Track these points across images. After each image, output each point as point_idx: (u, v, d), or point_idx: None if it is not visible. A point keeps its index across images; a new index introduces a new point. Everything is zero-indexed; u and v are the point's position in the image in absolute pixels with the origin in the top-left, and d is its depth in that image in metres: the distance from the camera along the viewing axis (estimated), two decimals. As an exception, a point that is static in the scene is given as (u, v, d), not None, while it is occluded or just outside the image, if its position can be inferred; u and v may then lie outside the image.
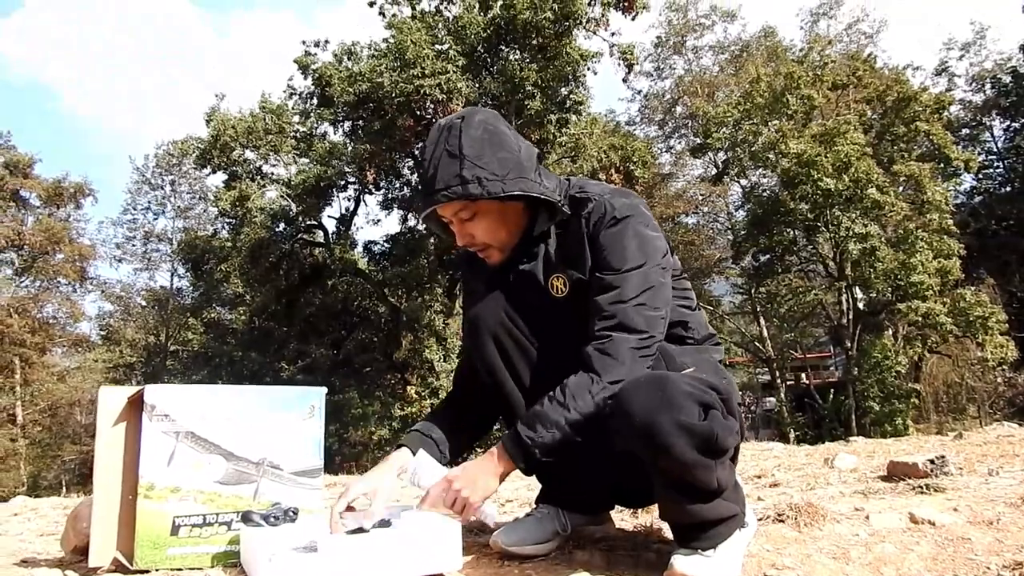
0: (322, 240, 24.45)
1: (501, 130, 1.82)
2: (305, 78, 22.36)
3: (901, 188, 24.10)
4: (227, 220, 25.16)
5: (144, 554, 1.77)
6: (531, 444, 1.65)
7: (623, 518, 2.33)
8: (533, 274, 1.87)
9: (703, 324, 1.95)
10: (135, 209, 36.25)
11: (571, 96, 20.71)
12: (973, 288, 23.24)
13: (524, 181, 1.77)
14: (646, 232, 1.78)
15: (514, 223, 1.88)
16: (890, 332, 24.79)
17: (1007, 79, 29.81)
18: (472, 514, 1.71)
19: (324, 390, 2.02)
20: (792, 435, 21.57)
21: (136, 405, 1.85)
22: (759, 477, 3.43)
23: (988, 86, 30.79)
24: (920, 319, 21.27)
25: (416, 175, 23.41)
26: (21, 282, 31.26)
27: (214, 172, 23.32)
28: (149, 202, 36.20)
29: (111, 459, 1.84)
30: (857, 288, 23.64)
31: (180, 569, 1.78)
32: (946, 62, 31.28)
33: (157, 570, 1.76)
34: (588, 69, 20.66)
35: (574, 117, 20.92)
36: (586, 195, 1.82)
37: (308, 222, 24.03)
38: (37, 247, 30.61)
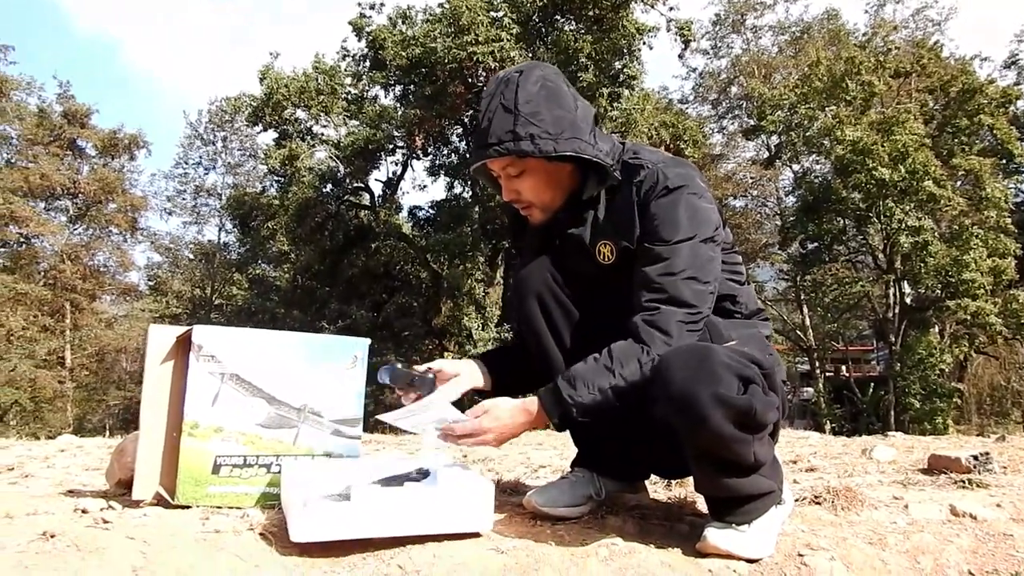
0: (368, 203, 24.57)
1: (560, 87, 1.79)
2: (359, 40, 22.38)
3: (959, 182, 23.47)
4: (276, 178, 25.38)
5: (185, 490, 1.82)
6: (570, 402, 1.65)
7: (656, 489, 2.33)
8: (581, 239, 1.85)
9: (752, 299, 1.92)
10: (186, 163, 36.85)
11: (625, 70, 20.42)
12: (1028, 289, 22.59)
13: (577, 142, 1.74)
14: (699, 203, 1.75)
15: (562, 184, 1.86)
16: (936, 329, 24.24)
17: (1080, 75, 28.70)
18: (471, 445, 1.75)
19: (368, 341, 2.04)
20: (828, 426, 21.34)
21: (184, 345, 1.88)
22: (794, 462, 3.40)
23: (1060, 81, 29.70)
24: (969, 318, 20.78)
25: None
26: (75, 229, 32.02)
27: (265, 130, 23.49)
28: (200, 157, 36.75)
29: (158, 396, 1.88)
30: (906, 282, 23.17)
31: (220, 507, 1.82)
32: (1016, 54, 30.20)
33: (198, 506, 1.80)
34: (644, 43, 20.35)
35: (627, 92, 20.64)
36: (640, 162, 1.79)
37: (355, 184, 24.15)
38: (91, 196, 31.28)
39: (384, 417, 1.79)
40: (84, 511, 1.72)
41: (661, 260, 1.71)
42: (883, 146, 20.44)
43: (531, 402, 1.73)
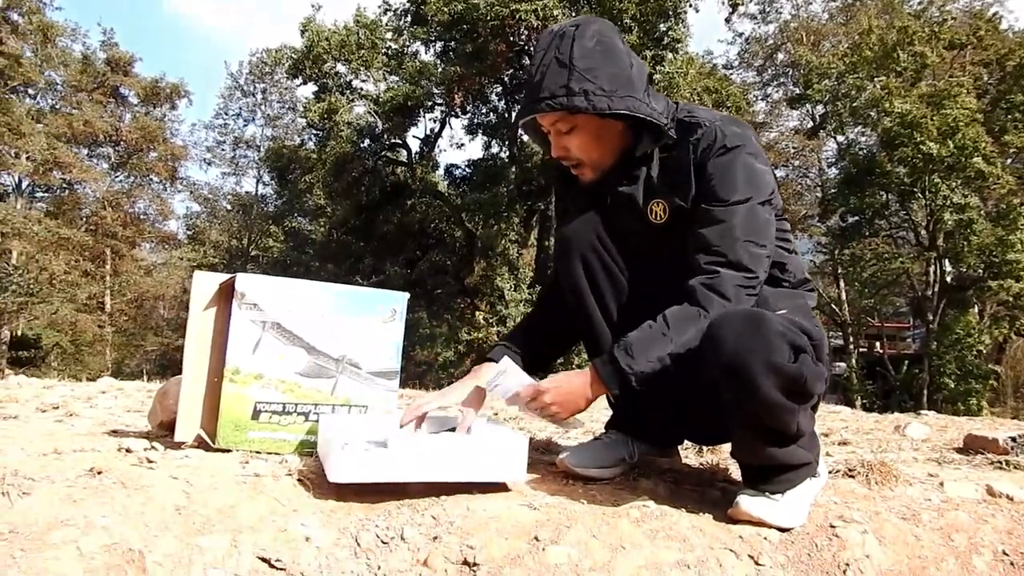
0: (405, 160, 24.57)
1: (615, 44, 1.75)
2: (401, -6, 22.23)
3: (1010, 160, 22.85)
4: (314, 132, 25.45)
5: (226, 434, 1.85)
6: (628, 372, 1.63)
7: (688, 455, 2.34)
8: (632, 197, 1.82)
9: (800, 268, 1.90)
10: (226, 114, 37.12)
11: (669, 33, 20.03)
12: (1074, 273, 22.04)
13: (632, 100, 1.71)
14: (756, 164, 1.72)
15: (612, 142, 1.82)
16: (976, 310, 23.80)
17: None
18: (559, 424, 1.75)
19: (407, 295, 2.05)
20: (859, 402, 21.17)
21: (227, 292, 1.91)
22: (826, 435, 3.38)
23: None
24: (1011, 299, 20.36)
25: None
26: (116, 177, 32.48)
27: (305, 83, 23.48)
28: (240, 108, 37.00)
29: (200, 341, 1.91)
30: (947, 260, 22.71)
31: (258, 452, 1.86)
32: (1079, 29, 29.14)
33: (237, 450, 1.84)
34: (689, 6, 19.92)
35: (670, 55, 20.26)
36: (696, 120, 1.76)
37: (393, 140, 24.12)
38: (133, 144, 31.67)
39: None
40: (128, 450, 1.76)
41: (719, 222, 1.68)
42: (932, 120, 19.90)
43: (589, 371, 1.73)
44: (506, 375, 1.81)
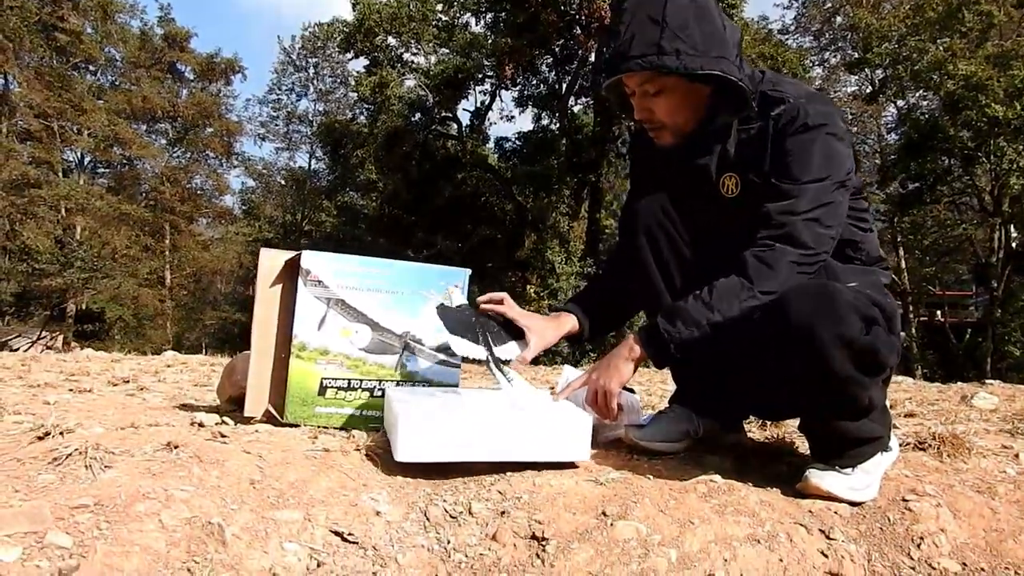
0: (455, 133, 24.59)
1: (709, 3, 1.70)
2: (452, -34, 22.13)
3: (1081, 122, 21.95)
4: (366, 106, 25.64)
5: (294, 409, 1.89)
6: (667, 337, 1.64)
7: (752, 429, 2.31)
8: (706, 169, 1.79)
9: (874, 246, 1.84)
10: (279, 89, 37.49)
11: (724, -2, 19.64)
12: None
13: (725, 62, 1.66)
14: (836, 145, 1.66)
15: (698, 107, 1.77)
16: (1044, 276, 23.09)
17: None
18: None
19: (468, 271, 2.05)
20: (919, 372, 20.73)
21: (292, 268, 1.93)
22: (892, 407, 3.32)
23: None
24: (1081, 265, 19.70)
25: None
26: (174, 152, 33.15)
27: (356, 57, 23.60)
28: (293, 83, 37.32)
29: (267, 317, 1.94)
30: (1012, 226, 22.01)
31: (326, 427, 1.89)
32: None
33: (305, 425, 1.87)
34: (745, -30, 19.50)
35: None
36: (781, 95, 1.70)
37: (443, 114, 24.16)
38: (189, 120, 32.26)
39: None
40: (201, 424, 1.81)
41: (787, 198, 1.65)
42: (999, 82, 19.17)
43: (630, 337, 1.74)
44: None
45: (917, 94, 24.72)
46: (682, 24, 1.64)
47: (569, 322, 1.99)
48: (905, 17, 22.71)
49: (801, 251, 1.62)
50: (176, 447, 1.53)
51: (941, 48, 21.25)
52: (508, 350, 1.91)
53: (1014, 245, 22.40)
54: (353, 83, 26.80)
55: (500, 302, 1.97)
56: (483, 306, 1.95)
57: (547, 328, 1.96)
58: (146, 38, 31.54)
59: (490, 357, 1.86)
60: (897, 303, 1.79)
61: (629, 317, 2.14)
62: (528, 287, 21.49)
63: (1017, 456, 1.96)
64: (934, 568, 1.48)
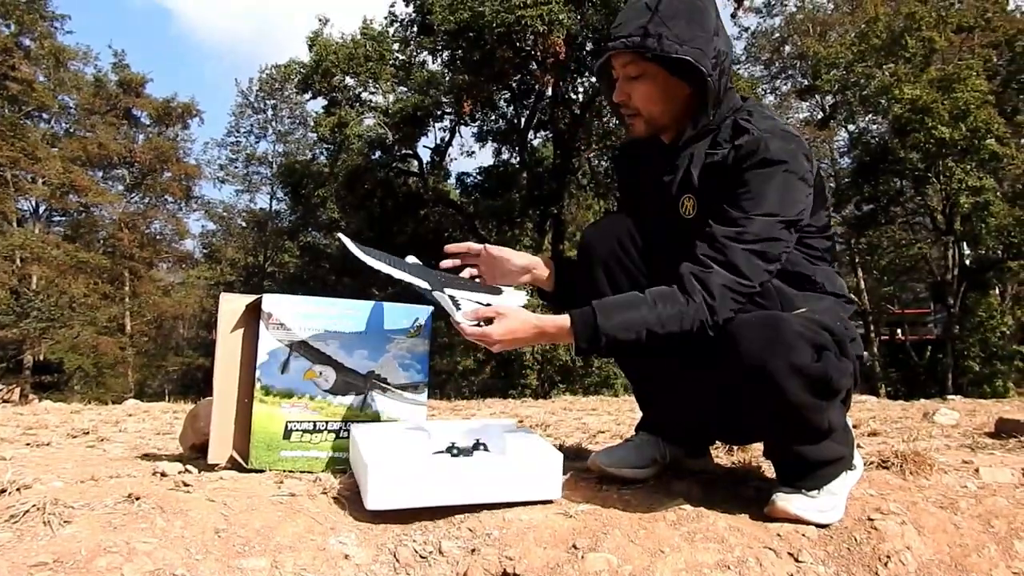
0: (416, 170, 24.64)
1: (707, 9, 1.74)
2: (407, 5, 22.24)
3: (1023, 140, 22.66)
4: (325, 146, 25.56)
5: (258, 454, 1.86)
6: (600, 331, 1.61)
7: (719, 454, 2.33)
8: (668, 188, 1.82)
9: (831, 281, 1.83)
10: (238, 132, 37.33)
11: (676, 30, 19.99)
12: (1094, 250, 21.80)
13: (701, 55, 1.69)
14: (792, 183, 1.67)
15: (674, 104, 1.79)
16: (997, 291, 23.63)
17: None
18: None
19: (431, 309, 2.05)
20: (883, 390, 21.01)
21: (254, 312, 1.92)
22: (855, 426, 3.36)
23: None
24: (1032, 279, 20.22)
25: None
26: (131, 198, 32.75)
27: (315, 97, 23.60)
28: (252, 125, 37.22)
29: (230, 362, 1.92)
30: (965, 244, 22.54)
31: (292, 471, 1.87)
32: (1087, 6, 28.83)
33: (270, 470, 1.85)
34: (695, 3, 19.88)
35: (677, 52, 20.20)
36: (748, 126, 1.72)
37: (403, 151, 24.19)
38: (147, 164, 31.93)
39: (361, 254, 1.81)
40: (163, 474, 1.78)
41: (733, 225, 1.65)
42: (943, 104, 19.76)
43: (550, 320, 1.68)
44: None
45: (867, 118, 25.38)
46: (672, 15, 1.69)
47: (545, 266, 1.99)
48: (851, 44, 23.38)
49: (736, 279, 1.62)
50: (138, 498, 1.50)
51: (887, 73, 21.89)
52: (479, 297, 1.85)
53: (968, 262, 22.92)
54: (312, 123, 26.82)
55: (477, 254, 1.99)
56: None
57: (518, 257, 1.98)
58: (100, 84, 31.27)
59: (431, 285, 1.78)
60: (858, 323, 1.81)
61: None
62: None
63: (977, 471, 1.99)
64: (902, 585, 1.50)
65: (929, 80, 20.92)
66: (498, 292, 1.90)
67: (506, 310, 1.68)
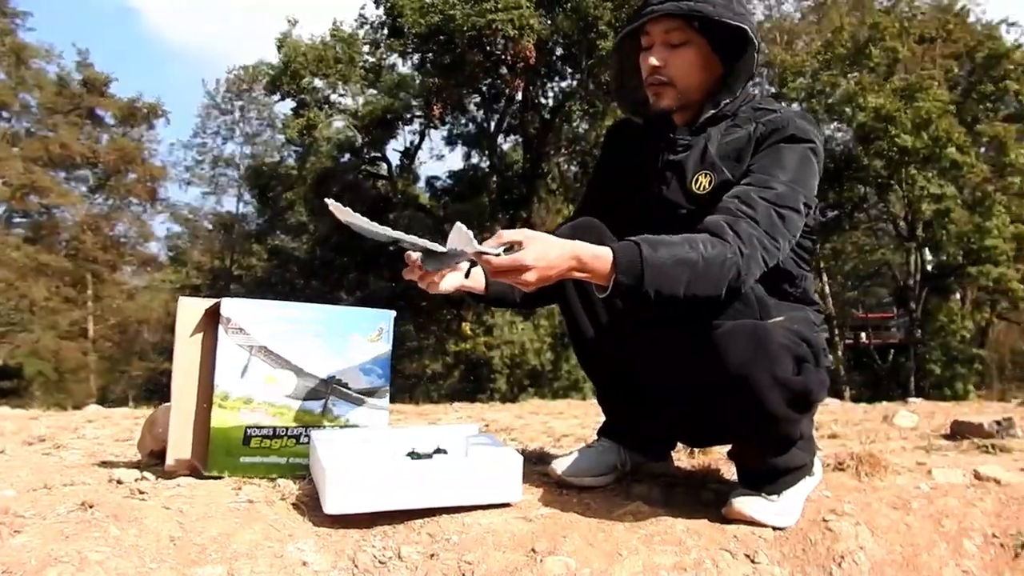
0: (386, 173, 24.57)
1: None
2: (377, 7, 22.17)
3: (983, 149, 23.10)
4: (294, 148, 25.44)
5: (217, 461, 1.84)
6: (646, 263, 1.44)
7: (680, 457, 2.35)
8: (681, 166, 1.77)
9: (810, 289, 1.85)
10: (205, 133, 36.85)
11: (645, 38, 20.15)
12: (1051, 256, 22.30)
13: (752, 25, 1.68)
14: (813, 163, 1.68)
15: (708, 80, 1.77)
16: (958, 296, 24.07)
17: (1109, 39, 28.07)
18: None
19: (393, 313, 2.05)
20: (848, 393, 21.30)
21: (213, 317, 1.90)
22: (816, 429, 3.39)
23: (1088, 46, 29.04)
24: (991, 284, 20.61)
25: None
26: (95, 200, 32.24)
27: (283, 99, 23.44)
28: (219, 126, 36.75)
29: (188, 368, 1.90)
30: (927, 250, 22.96)
31: (251, 477, 1.85)
32: (1044, 18, 29.51)
33: (229, 477, 1.83)
34: (664, 11, 20.05)
35: (646, 59, 20.37)
36: (773, 107, 1.74)
37: (373, 154, 24.14)
38: (111, 166, 31.44)
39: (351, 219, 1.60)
40: (119, 482, 1.75)
41: (760, 184, 1.60)
42: (906, 113, 20.11)
43: (587, 248, 1.47)
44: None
45: (832, 126, 25.73)
46: None
47: None
48: (817, 53, 23.73)
49: (764, 232, 1.55)
50: (91, 506, 1.48)
51: (852, 82, 22.23)
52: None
53: (929, 268, 23.33)
54: (280, 125, 26.61)
55: None
56: None
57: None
58: (63, 84, 30.72)
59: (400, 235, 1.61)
60: (824, 327, 1.82)
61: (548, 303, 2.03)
62: (464, 324, 21.48)
63: (930, 472, 2.03)
64: (855, 586, 1.53)
65: (892, 89, 21.28)
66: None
67: (534, 233, 1.47)
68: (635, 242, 1.47)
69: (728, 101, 1.74)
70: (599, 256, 1.46)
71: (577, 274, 1.48)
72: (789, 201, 1.60)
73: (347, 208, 1.61)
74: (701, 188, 1.73)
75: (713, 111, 1.75)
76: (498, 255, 1.43)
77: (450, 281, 1.68)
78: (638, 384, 1.88)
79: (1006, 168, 21.65)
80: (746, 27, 1.66)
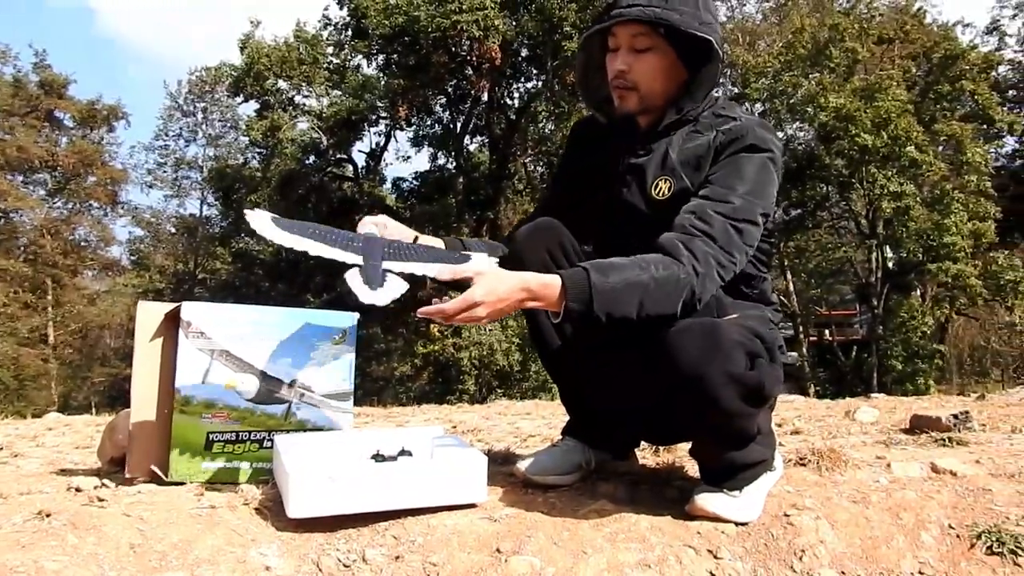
0: (351, 174, 24.43)
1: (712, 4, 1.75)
2: (341, 8, 22.07)
3: (941, 148, 23.54)
4: (258, 150, 25.21)
5: (179, 467, 1.83)
6: (594, 289, 1.48)
7: (645, 455, 2.36)
8: (642, 170, 1.79)
9: (767, 291, 1.88)
10: (167, 135, 36.32)
11: (609, 39, 20.26)
12: (1007, 252, 22.76)
13: (717, 36, 1.69)
14: (771, 173, 1.70)
15: (671, 86, 1.78)
16: (918, 292, 24.49)
17: (1060, 40, 28.77)
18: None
19: (357, 315, 2.04)
20: (812, 390, 21.58)
21: (173, 321, 1.88)
22: (780, 425, 3.45)
23: (1039, 47, 29.74)
24: (950, 280, 20.98)
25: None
26: (54, 203, 31.64)
27: (247, 100, 23.27)
28: (181, 129, 36.24)
29: (148, 373, 1.88)
30: (888, 247, 23.34)
31: (213, 483, 1.83)
32: (998, 20, 30.14)
33: (191, 482, 1.81)
34: (628, 11, 20.17)
35: (610, 60, 20.48)
36: (733, 115, 1.75)
37: (338, 156, 24.01)
38: (70, 169, 30.86)
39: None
40: (78, 489, 1.73)
41: (716, 198, 1.63)
42: (866, 113, 20.44)
43: (536, 278, 1.52)
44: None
45: (794, 126, 26.08)
46: None
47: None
48: (778, 54, 24.03)
49: (720, 250, 1.58)
50: (49, 515, 1.46)
51: (813, 82, 22.54)
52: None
53: (890, 265, 23.72)
54: (244, 127, 26.34)
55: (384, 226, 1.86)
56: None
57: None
58: (20, 85, 30.11)
59: (365, 257, 1.60)
60: (789, 324, 1.84)
61: None
62: (432, 325, 21.38)
63: (889, 466, 2.07)
64: (815, 579, 1.55)
65: (852, 89, 21.62)
66: (465, 260, 1.69)
67: (483, 269, 1.54)
68: (584, 268, 1.51)
69: (690, 108, 1.76)
70: (548, 284, 1.50)
71: (530, 303, 1.52)
72: (746, 214, 1.63)
73: (274, 220, 1.61)
74: (660, 194, 1.75)
75: (676, 116, 1.77)
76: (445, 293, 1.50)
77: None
78: (599, 384, 1.89)
79: (963, 166, 22.08)
80: (711, 39, 1.68)
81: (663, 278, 1.51)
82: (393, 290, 1.55)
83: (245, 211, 1.63)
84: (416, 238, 1.91)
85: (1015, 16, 29.68)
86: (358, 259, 1.59)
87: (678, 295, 1.52)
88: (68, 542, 1.36)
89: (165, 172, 36.55)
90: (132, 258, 37.04)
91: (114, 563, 1.34)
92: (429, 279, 1.59)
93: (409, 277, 1.58)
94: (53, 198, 31.57)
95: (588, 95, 1.94)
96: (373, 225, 1.83)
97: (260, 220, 1.60)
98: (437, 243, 1.95)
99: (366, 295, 1.51)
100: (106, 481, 1.81)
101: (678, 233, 1.59)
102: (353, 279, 1.53)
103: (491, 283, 1.47)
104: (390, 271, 1.59)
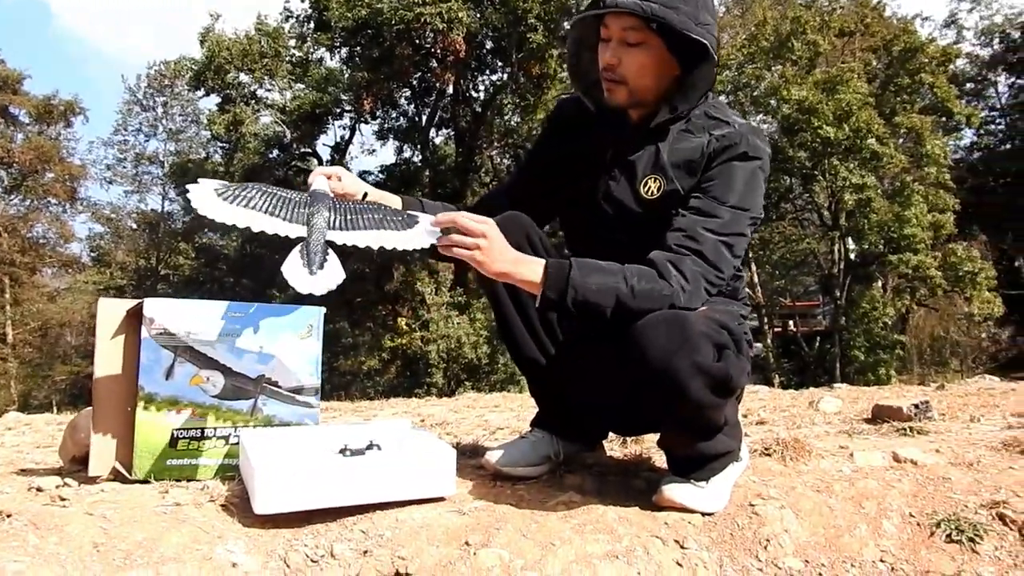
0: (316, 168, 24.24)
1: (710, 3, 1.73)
2: (302, 1, 21.88)
3: (901, 140, 23.95)
4: (220, 144, 24.91)
5: (143, 464, 1.80)
6: (571, 283, 1.54)
7: (613, 447, 2.38)
8: (632, 166, 1.79)
9: (740, 288, 1.90)
10: (126, 130, 35.64)
11: (573, 31, 20.28)
12: (965, 243, 23.27)
13: (713, 41, 1.67)
14: (760, 181, 1.72)
15: (662, 83, 1.77)
16: (880, 284, 24.91)
17: (1016, 34, 29.39)
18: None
19: (322, 310, 2.02)
20: (777, 380, 21.86)
21: (135, 317, 1.85)
22: (745, 416, 3.49)
23: (996, 41, 30.36)
24: (910, 272, 21.41)
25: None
26: (10, 201, 30.95)
27: (208, 94, 22.96)
28: (140, 123, 35.59)
29: (110, 371, 1.85)
30: (850, 239, 23.70)
31: (178, 480, 1.81)
32: (956, 14, 30.78)
33: (156, 480, 1.79)
34: (592, 4, 20.21)
35: (575, 53, 20.50)
36: (726, 119, 1.75)
37: (302, 149, 23.80)
38: (27, 165, 30.18)
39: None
40: (39, 489, 1.70)
41: (706, 214, 1.65)
42: (828, 105, 20.73)
43: (527, 257, 1.61)
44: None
45: (758, 118, 26.34)
46: None
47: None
48: (742, 46, 24.23)
49: (708, 268, 1.62)
50: (9, 516, 1.43)
51: (775, 75, 22.80)
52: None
53: (852, 256, 24.09)
54: (205, 121, 26.01)
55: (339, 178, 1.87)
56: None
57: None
58: (-28, 81, 29.47)
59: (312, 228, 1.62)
60: (754, 315, 1.86)
61: None
62: (399, 319, 21.33)
63: (852, 455, 2.10)
64: (780, 568, 1.57)
65: (814, 82, 21.90)
66: (411, 222, 1.71)
67: (490, 224, 1.60)
68: (570, 262, 1.57)
69: (684, 108, 1.75)
70: (533, 268, 1.58)
71: (516, 274, 1.58)
72: (735, 228, 1.66)
73: (216, 186, 1.62)
74: (649, 193, 1.75)
75: (668, 116, 1.75)
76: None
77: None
78: (575, 377, 1.90)
79: (923, 159, 22.52)
80: (706, 43, 1.66)
81: (643, 291, 1.55)
82: (331, 278, 1.60)
83: (187, 185, 1.61)
84: (366, 194, 1.91)
85: (972, 10, 30.31)
86: (302, 231, 1.62)
87: (656, 307, 1.56)
88: (30, 542, 1.34)
89: (125, 167, 35.92)
90: (92, 255, 36.36)
91: (77, 563, 1.32)
92: (375, 251, 1.62)
93: (347, 266, 1.60)
94: (9, 195, 30.88)
95: (578, 77, 1.89)
96: (324, 177, 1.83)
97: (202, 195, 1.60)
98: (395, 200, 1.94)
99: (304, 282, 1.56)
100: (68, 480, 1.78)
101: (668, 253, 1.62)
102: (293, 262, 1.58)
103: (501, 236, 1.57)
104: (332, 247, 1.62)
